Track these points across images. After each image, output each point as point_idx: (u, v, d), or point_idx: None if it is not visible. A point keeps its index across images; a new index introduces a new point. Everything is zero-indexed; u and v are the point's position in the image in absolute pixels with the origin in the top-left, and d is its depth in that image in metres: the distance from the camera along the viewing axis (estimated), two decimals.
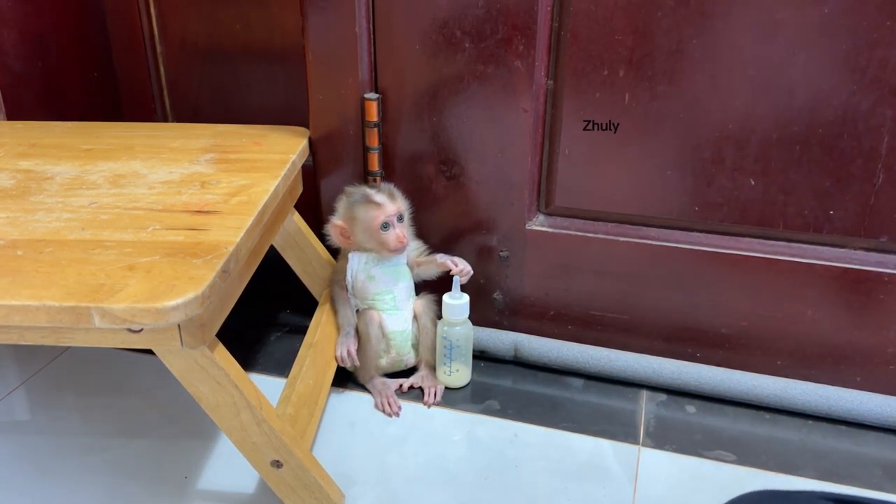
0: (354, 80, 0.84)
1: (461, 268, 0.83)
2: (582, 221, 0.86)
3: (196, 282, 0.54)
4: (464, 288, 0.84)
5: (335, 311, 0.86)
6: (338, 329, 0.85)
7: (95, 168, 0.76)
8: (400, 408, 0.82)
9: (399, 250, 0.81)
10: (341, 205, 0.83)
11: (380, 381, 0.84)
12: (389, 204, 0.79)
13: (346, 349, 0.82)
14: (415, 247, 0.86)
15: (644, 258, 0.83)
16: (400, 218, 0.81)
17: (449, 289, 0.83)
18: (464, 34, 0.78)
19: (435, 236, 0.89)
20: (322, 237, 0.93)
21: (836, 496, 0.49)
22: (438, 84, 0.82)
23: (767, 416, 0.82)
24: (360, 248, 0.83)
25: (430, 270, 0.86)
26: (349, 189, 0.83)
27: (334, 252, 0.91)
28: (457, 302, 0.82)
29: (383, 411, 0.82)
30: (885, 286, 0.77)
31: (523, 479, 0.73)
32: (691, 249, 0.81)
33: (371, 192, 0.80)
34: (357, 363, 0.82)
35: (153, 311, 0.51)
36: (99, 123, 0.92)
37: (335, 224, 0.82)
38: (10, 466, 0.74)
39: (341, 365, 0.83)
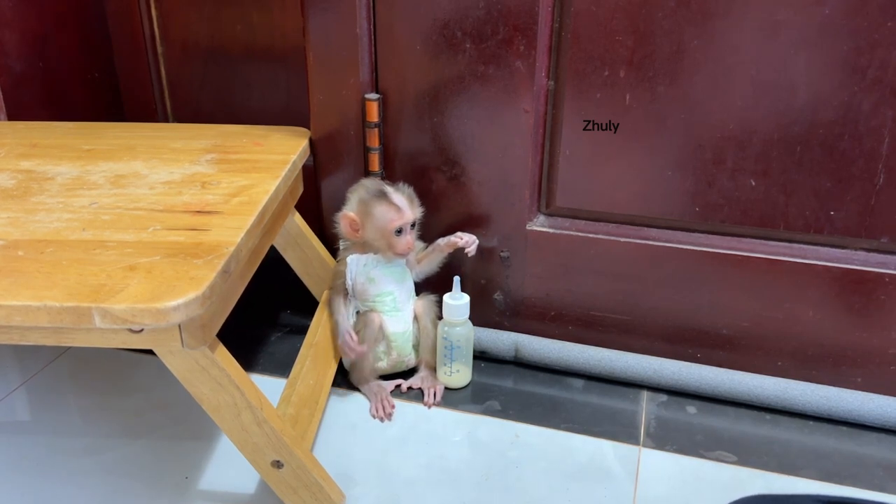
0: (355, 81, 0.84)
1: (467, 239, 0.83)
2: (583, 222, 0.86)
3: (197, 282, 0.54)
4: (464, 288, 0.84)
5: (332, 319, 0.85)
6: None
7: (96, 168, 0.76)
8: (393, 407, 0.82)
9: (404, 256, 0.81)
10: (356, 196, 0.81)
11: (375, 384, 0.84)
12: (408, 211, 0.79)
13: (346, 343, 0.81)
14: (416, 247, 0.85)
15: (645, 259, 0.83)
16: (413, 225, 0.80)
17: (449, 289, 0.83)
18: (464, 35, 0.78)
19: (436, 237, 0.89)
20: (323, 237, 0.93)
21: (832, 498, 0.49)
22: (439, 84, 0.82)
23: (768, 416, 0.82)
24: (365, 244, 0.82)
25: (434, 262, 0.86)
26: (365, 182, 0.82)
27: (335, 252, 0.91)
28: (457, 302, 0.82)
29: (376, 415, 0.81)
30: (885, 287, 0.76)
31: (524, 479, 0.73)
32: (692, 250, 0.81)
33: (391, 191, 0.79)
34: (362, 348, 0.82)
35: (154, 311, 0.51)
36: (100, 124, 0.93)
37: (347, 215, 0.81)
38: (11, 466, 0.74)
39: (351, 357, 0.83)
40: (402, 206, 0.79)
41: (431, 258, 0.85)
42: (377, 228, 0.79)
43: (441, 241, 0.84)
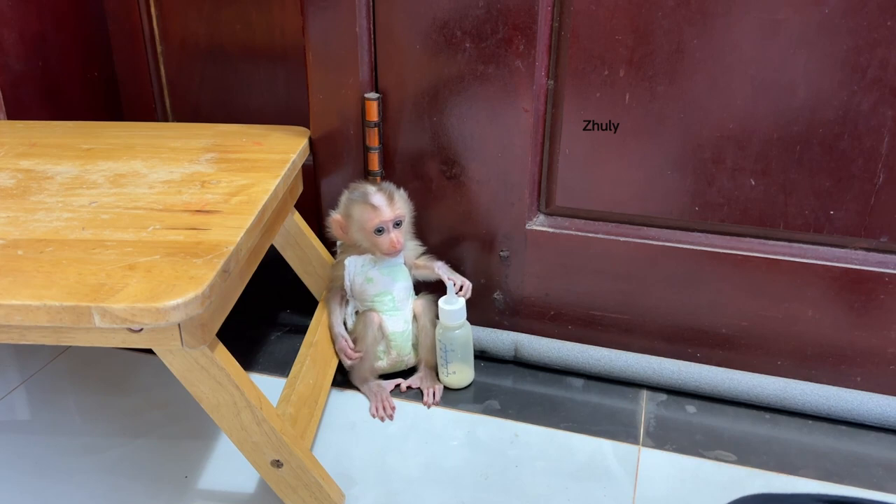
0: (355, 80, 0.84)
1: (465, 288, 0.83)
2: (582, 221, 0.86)
3: (196, 281, 0.54)
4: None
5: (328, 322, 0.86)
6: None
7: (96, 167, 0.76)
8: (394, 408, 0.82)
9: (392, 255, 0.81)
10: (343, 199, 0.82)
11: (375, 384, 0.84)
12: (386, 209, 0.78)
13: (343, 350, 0.82)
14: (412, 247, 0.85)
15: (644, 258, 0.83)
16: (397, 224, 0.80)
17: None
18: (464, 34, 0.78)
19: (435, 236, 0.89)
20: (322, 237, 0.93)
21: (831, 497, 0.49)
22: (439, 84, 0.82)
23: (768, 416, 0.82)
24: (356, 245, 0.82)
25: (431, 277, 0.86)
26: (353, 185, 0.83)
27: (334, 251, 0.91)
28: (452, 307, 0.81)
29: (376, 414, 0.81)
30: (885, 286, 0.77)
31: (524, 478, 0.73)
32: (692, 249, 0.81)
33: (371, 192, 0.79)
34: (358, 353, 0.82)
35: (153, 310, 0.51)
36: (99, 123, 0.92)
37: (335, 218, 0.82)
38: (10, 465, 0.74)
39: (348, 363, 0.83)
40: (380, 205, 0.78)
41: (424, 273, 0.86)
42: (358, 228, 0.80)
43: (438, 269, 0.84)
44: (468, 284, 0.83)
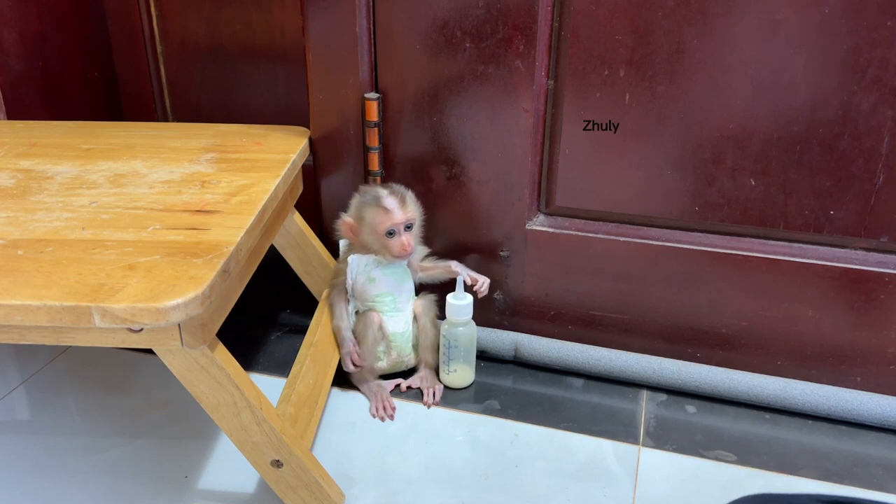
0: (355, 80, 0.84)
1: (481, 282, 0.83)
2: (582, 221, 0.86)
3: (196, 281, 0.54)
4: (465, 288, 0.84)
5: (332, 320, 0.85)
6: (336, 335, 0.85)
7: (96, 167, 0.76)
8: (394, 408, 0.82)
9: (402, 258, 0.81)
10: (354, 202, 0.82)
11: (375, 384, 0.84)
12: (398, 212, 0.78)
13: (350, 358, 0.82)
14: (419, 251, 0.85)
15: (644, 258, 0.83)
16: (408, 227, 0.80)
17: (450, 288, 0.83)
18: (464, 34, 0.78)
19: (435, 236, 0.89)
20: (322, 236, 0.93)
21: (832, 498, 0.49)
22: (439, 84, 0.82)
23: (768, 416, 0.82)
24: (365, 247, 0.82)
25: (438, 277, 0.86)
26: (364, 188, 0.82)
27: (335, 251, 0.91)
28: (461, 302, 0.82)
29: (376, 414, 0.81)
30: (885, 286, 0.77)
31: (524, 478, 0.73)
32: (692, 249, 0.81)
33: (383, 195, 0.79)
34: (364, 362, 0.82)
35: (153, 310, 0.51)
36: (99, 123, 0.92)
37: (345, 221, 0.82)
38: (10, 465, 0.74)
39: (351, 370, 0.83)
40: (392, 207, 0.78)
41: (435, 273, 0.86)
42: (369, 231, 0.80)
43: (457, 268, 0.84)
44: (487, 281, 0.83)
